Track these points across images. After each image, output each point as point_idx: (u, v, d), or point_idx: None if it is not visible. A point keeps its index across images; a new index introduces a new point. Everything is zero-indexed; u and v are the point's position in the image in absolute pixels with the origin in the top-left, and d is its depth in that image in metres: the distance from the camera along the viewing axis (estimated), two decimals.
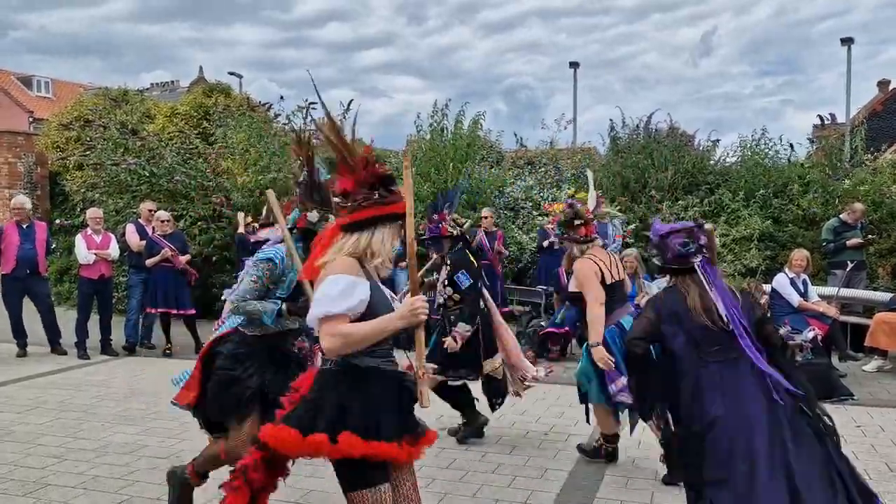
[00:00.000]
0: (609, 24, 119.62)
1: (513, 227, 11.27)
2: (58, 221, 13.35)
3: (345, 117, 13.25)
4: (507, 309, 9.61)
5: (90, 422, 5.74)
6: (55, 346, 8.69)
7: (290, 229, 3.56)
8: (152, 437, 5.38)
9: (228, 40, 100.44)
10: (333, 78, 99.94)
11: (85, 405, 6.27)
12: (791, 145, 12.17)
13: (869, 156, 11.87)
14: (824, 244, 8.97)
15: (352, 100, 13.31)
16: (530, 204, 11.83)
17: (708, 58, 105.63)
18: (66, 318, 9.46)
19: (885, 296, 8.46)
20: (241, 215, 9.54)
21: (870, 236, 9.33)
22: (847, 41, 18.03)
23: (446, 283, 4.93)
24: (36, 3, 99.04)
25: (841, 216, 9.07)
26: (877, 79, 26.12)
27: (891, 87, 24.58)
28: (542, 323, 8.65)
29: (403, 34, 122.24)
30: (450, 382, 5.03)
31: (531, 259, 10.97)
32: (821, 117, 11.84)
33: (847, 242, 8.82)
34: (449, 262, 4.94)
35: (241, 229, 9.41)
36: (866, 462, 4.79)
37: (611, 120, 12.98)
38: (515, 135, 17.77)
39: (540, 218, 11.21)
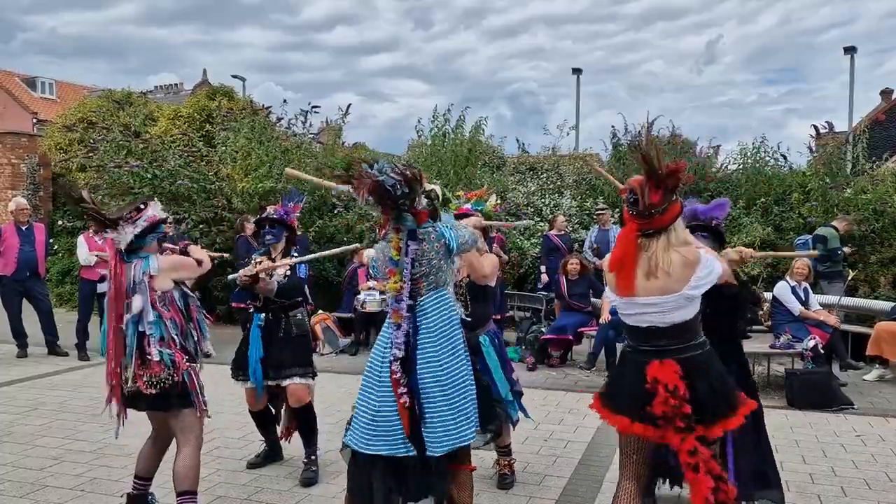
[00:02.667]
0: (614, 32, 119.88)
1: (514, 231, 11.27)
2: (60, 223, 13.38)
3: (343, 121, 13.33)
4: (507, 314, 9.60)
5: (89, 423, 5.73)
6: (52, 348, 8.69)
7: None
8: None
9: (235, 43, 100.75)
10: (338, 81, 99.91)
11: (84, 406, 6.26)
12: (784, 156, 12.16)
13: (870, 165, 11.85)
14: (839, 253, 8.83)
15: (350, 104, 13.25)
16: (532, 210, 11.83)
17: (712, 66, 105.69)
18: (68, 319, 9.46)
19: (886, 305, 8.45)
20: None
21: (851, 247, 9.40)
22: (850, 50, 18.06)
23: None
24: (45, 5, 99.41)
25: (835, 225, 9.03)
26: (880, 88, 26.18)
27: (894, 97, 24.61)
28: (543, 329, 8.64)
29: (409, 38, 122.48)
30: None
31: (532, 264, 10.96)
32: (815, 127, 11.77)
33: (846, 251, 8.79)
34: (297, 251, 4.81)
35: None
36: (866, 472, 4.77)
37: (613, 126, 13.00)
38: (518, 140, 17.77)
39: (542, 224, 11.21)
